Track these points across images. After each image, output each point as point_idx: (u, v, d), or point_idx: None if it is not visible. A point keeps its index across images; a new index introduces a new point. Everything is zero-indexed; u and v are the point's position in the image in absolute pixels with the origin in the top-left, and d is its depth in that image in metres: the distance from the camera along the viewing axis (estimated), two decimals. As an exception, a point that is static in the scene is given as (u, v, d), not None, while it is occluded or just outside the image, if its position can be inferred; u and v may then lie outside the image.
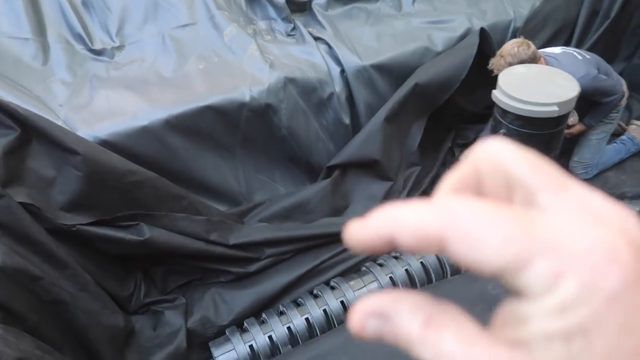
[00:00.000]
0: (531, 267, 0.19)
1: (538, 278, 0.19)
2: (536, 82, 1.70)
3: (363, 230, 0.22)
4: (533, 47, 1.91)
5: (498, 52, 1.95)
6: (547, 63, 1.96)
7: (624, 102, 2.11)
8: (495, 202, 0.20)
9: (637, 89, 2.49)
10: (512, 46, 1.90)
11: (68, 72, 1.89)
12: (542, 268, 0.18)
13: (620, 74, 2.52)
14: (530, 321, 0.19)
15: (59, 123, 1.70)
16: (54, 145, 1.59)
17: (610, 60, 2.51)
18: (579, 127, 2.16)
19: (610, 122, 2.12)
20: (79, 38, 1.99)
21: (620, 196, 2.13)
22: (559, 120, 1.66)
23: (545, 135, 1.70)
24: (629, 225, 0.20)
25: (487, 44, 2.07)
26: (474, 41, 2.02)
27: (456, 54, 2.04)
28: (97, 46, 2.00)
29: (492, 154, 0.23)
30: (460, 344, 0.19)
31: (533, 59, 1.89)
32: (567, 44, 2.35)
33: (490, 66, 1.96)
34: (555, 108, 1.60)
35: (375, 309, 0.21)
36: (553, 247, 0.19)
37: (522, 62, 1.87)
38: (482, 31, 2.05)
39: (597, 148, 2.14)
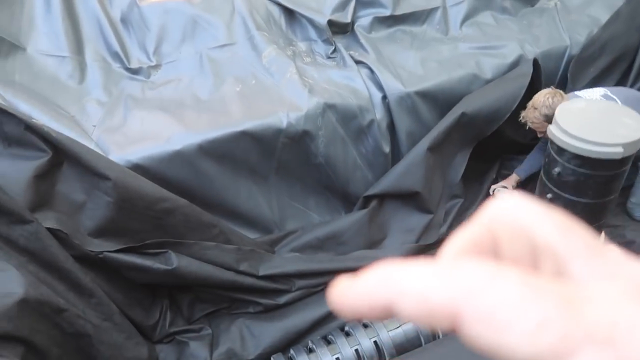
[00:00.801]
0: None
1: None
2: (597, 119, 1.57)
3: (354, 292, 0.18)
4: (565, 96, 1.82)
5: (530, 104, 1.83)
6: None
7: None
8: (522, 270, 0.17)
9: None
10: (545, 97, 1.80)
11: (103, 91, 1.86)
12: None
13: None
14: None
15: (92, 145, 1.66)
16: (85, 170, 1.54)
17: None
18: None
19: None
20: (116, 56, 1.96)
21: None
22: (623, 162, 1.52)
23: (605, 177, 1.56)
24: None
25: (537, 75, 1.94)
26: (527, 71, 1.90)
27: (507, 83, 1.92)
28: (134, 65, 1.97)
29: (511, 213, 0.19)
30: None
31: None
32: (626, 73, 2.19)
33: (522, 119, 1.86)
34: (620, 149, 1.46)
35: None
36: (603, 335, 0.15)
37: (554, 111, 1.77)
38: (535, 62, 1.92)
39: None
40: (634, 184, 2.03)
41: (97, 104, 1.82)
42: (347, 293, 0.18)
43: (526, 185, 2.12)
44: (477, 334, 0.15)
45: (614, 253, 0.17)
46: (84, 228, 1.57)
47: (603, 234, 2.07)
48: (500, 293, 0.15)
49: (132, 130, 1.75)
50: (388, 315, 0.17)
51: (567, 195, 1.66)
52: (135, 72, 1.96)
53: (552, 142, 1.62)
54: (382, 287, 0.17)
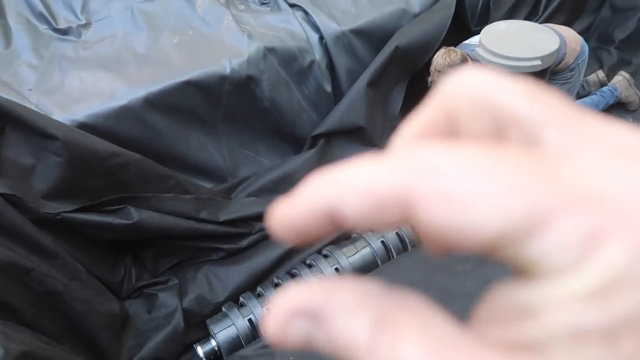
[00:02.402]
0: (551, 228, 0.12)
1: (563, 244, 0.12)
2: (517, 37, 1.72)
3: (294, 207, 0.15)
4: (459, 51, 1.94)
5: (432, 69, 1.96)
6: (471, 58, 1.96)
7: (579, 61, 2.02)
8: (481, 144, 0.14)
9: (607, 41, 2.55)
10: (442, 58, 1.92)
11: (33, 54, 1.79)
12: (569, 228, 0.12)
13: (589, 27, 2.57)
14: (545, 312, 0.12)
15: (32, 108, 1.61)
16: (31, 132, 1.51)
17: (577, 15, 2.56)
18: None
19: (567, 81, 2.06)
20: (41, 17, 1.88)
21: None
22: (542, 74, 1.68)
23: (528, 91, 1.72)
24: None
25: (461, 4, 2.06)
26: (451, 2, 2.01)
27: (434, 15, 2.03)
28: (62, 25, 1.90)
29: (471, 86, 0.16)
30: (428, 351, 0.12)
31: (464, 61, 1.92)
32: (533, 5, 2.37)
33: (430, 84, 1.99)
34: (538, 62, 1.62)
35: (302, 306, 0.14)
36: (584, 196, 0.12)
37: (456, 68, 1.90)
38: None
39: None
40: None
41: (29, 67, 1.76)
42: (286, 210, 0.15)
43: None
44: (435, 216, 0.13)
45: (592, 118, 0.14)
46: (37, 191, 1.55)
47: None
48: (458, 164, 0.13)
49: (73, 90, 1.71)
50: (335, 226, 0.15)
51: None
52: (64, 32, 1.89)
53: (480, 63, 1.76)
54: (323, 192, 0.14)
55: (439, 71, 1.93)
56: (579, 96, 2.28)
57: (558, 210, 0.12)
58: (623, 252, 0.11)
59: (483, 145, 0.14)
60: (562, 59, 1.99)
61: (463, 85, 0.16)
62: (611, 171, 0.13)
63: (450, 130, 0.16)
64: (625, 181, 0.12)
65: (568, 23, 2.37)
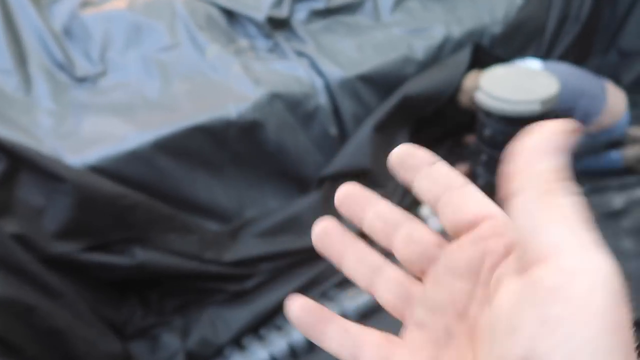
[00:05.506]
0: None
1: None
2: (517, 81, 1.74)
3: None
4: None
5: (461, 88, 2.04)
6: None
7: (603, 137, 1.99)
8: None
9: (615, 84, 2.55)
10: (471, 80, 1.99)
11: (52, 101, 1.89)
12: None
13: (596, 70, 2.58)
14: None
15: (46, 152, 1.69)
16: (42, 174, 1.58)
17: (583, 59, 2.58)
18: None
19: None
20: (60, 67, 1.99)
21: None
22: (543, 118, 1.69)
23: (530, 134, 1.73)
24: None
25: (483, 54, 2.13)
26: (464, 59, 2.07)
27: (446, 70, 2.09)
28: (80, 73, 2.00)
29: None
30: None
31: None
32: (538, 50, 2.41)
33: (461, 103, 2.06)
34: (538, 106, 1.63)
35: None
36: None
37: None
38: (476, 45, 2.11)
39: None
40: None
41: (47, 113, 1.85)
42: None
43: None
44: None
45: None
46: (47, 231, 1.60)
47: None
48: None
49: (86, 134, 1.79)
50: None
51: (499, 155, 1.82)
52: (82, 80, 2.00)
53: (480, 108, 1.79)
54: None
55: (465, 92, 1.99)
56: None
57: None
58: None
59: None
60: (592, 119, 1.91)
61: None
62: None
63: None
64: None
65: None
